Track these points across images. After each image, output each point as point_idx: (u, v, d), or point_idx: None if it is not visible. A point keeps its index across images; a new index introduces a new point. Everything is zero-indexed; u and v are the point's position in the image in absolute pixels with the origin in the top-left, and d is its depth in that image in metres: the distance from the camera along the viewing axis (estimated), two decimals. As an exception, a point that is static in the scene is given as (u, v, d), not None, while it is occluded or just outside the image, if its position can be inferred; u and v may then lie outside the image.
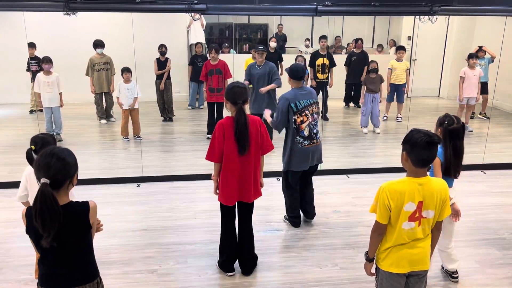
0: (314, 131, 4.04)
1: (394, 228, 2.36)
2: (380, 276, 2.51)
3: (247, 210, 3.50)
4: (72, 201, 2.09)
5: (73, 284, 2.13)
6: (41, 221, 1.93)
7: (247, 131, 3.20)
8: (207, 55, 7.63)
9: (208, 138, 7.15)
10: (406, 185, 2.30)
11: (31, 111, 8.32)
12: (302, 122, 3.96)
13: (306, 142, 3.99)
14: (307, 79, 8.10)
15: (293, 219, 4.33)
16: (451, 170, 3.15)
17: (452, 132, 3.13)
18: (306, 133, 3.98)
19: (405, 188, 2.29)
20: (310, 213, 4.41)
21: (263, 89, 6.22)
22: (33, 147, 2.95)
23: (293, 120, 3.95)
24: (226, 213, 3.46)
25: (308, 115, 3.98)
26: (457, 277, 3.45)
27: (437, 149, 2.29)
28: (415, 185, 2.29)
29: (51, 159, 1.98)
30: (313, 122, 4.02)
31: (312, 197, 4.41)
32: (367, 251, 2.52)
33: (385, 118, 8.52)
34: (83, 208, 2.08)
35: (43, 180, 1.94)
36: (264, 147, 3.38)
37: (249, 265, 3.56)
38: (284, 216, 4.46)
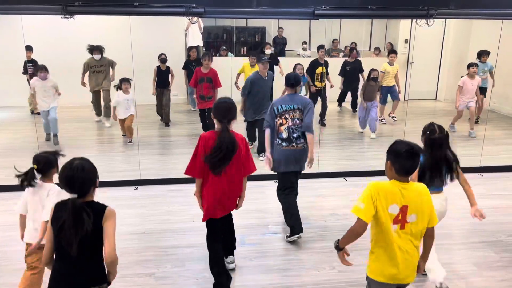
0: (294, 135, 4.15)
1: (383, 232, 2.37)
2: (368, 281, 2.54)
3: (229, 221, 3.50)
4: (94, 201, 2.26)
5: (82, 285, 2.22)
6: (72, 231, 2.13)
7: (232, 153, 3.06)
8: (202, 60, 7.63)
9: None
10: (392, 186, 2.39)
11: (32, 112, 8.26)
12: (281, 124, 4.17)
13: (284, 143, 4.16)
14: (309, 87, 8.12)
15: (291, 228, 4.09)
16: (426, 178, 3.18)
17: (432, 141, 3.20)
18: (284, 135, 4.16)
19: (390, 189, 2.38)
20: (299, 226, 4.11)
21: None
22: (35, 166, 2.95)
23: (275, 122, 4.20)
24: (213, 230, 3.32)
25: (288, 118, 4.16)
26: None
27: (419, 158, 2.40)
28: (399, 188, 2.37)
29: (73, 175, 2.20)
30: (293, 127, 4.14)
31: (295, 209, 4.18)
32: (338, 240, 2.51)
33: (384, 121, 8.55)
34: (100, 209, 2.23)
35: (71, 196, 2.17)
36: (247, 168, 3.25)
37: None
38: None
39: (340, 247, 2.52)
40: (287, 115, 4.16)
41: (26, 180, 2.90)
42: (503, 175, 5.88)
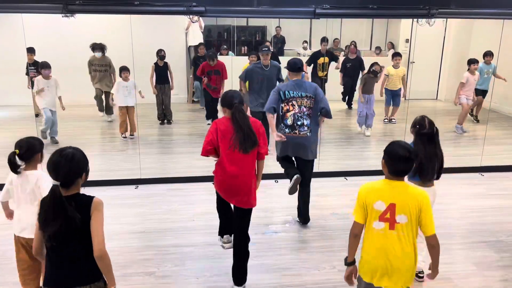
0: (299, 122, 4.14)
1: (368, 228, 2.43)
2: (359, 280, 2.56)
3: (242, 217, 3.36)
4: (80, 193, 2.18)
5: (77, 283, 2.15)
6: (51, 220, 2.07)
7: (250, 128, 3.15)
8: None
9: (208, 124, 7.41)
10: (380, 184, 2.44)
11: (37, 115, 8.27)
12: (287, 110, 4.14)
13: (287, 130, 4.16)
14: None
15: (289, 174, 4.24)
16: (423, 172, 3.19)
17: (422, 136, 3.19)
18: (289, 122, 4.15)
19: (378, 186, 2.42)
20: (303, 217, 4.40)
21: None
22: (17, 151, 2.78)
23: (280, 107, 4.15)
24: (220, 201, 3.56)
25: (295, 105, 4.12)
26: (422, 277, 3.41)
27: (413, 163, 2.40)
28: (388, 186, 2.41)
29: (60, 161, 2.12)
30: (299, 114, 4.12)
31: (308, 199, 4.39)
32: (346, 257, 2.55)
33: (386, 120, 8.52)
34: (87, 201, 2.16)
35: (53, 182, 2.08)
36: (261, 151, 3.30)
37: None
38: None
39: (348, 262, 2.53)
40: (294, 102, 4.12)
41: (10, 168, 2.75)
42: (503, 175, 5.87)
